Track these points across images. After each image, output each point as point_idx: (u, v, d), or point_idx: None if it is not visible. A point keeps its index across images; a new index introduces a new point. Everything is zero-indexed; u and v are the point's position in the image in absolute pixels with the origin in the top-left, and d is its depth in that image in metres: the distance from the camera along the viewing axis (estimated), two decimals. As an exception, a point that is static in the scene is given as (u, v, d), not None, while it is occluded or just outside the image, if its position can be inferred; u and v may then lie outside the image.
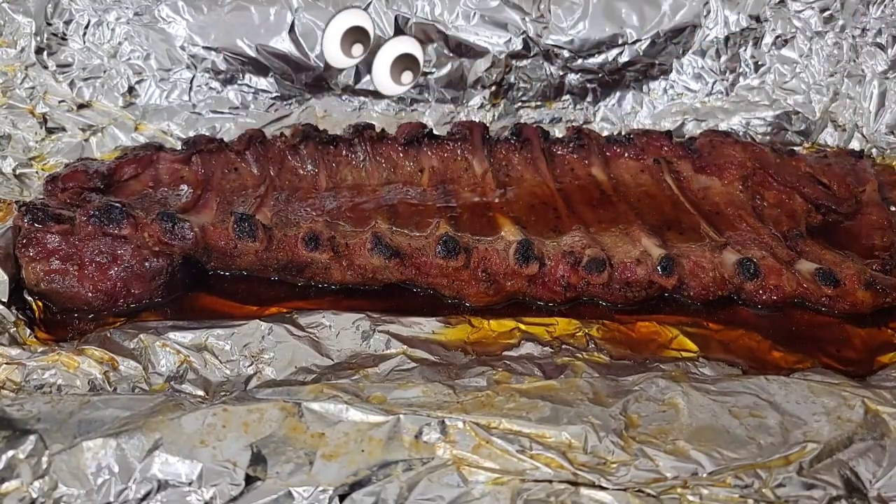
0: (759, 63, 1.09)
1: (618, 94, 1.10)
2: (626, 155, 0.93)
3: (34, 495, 0.55)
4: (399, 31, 1.06)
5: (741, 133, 1.05)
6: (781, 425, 0.61)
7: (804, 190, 0.90)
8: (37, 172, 0.95)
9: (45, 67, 1.03)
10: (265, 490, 0.56)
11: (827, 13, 1.07)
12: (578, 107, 1.11)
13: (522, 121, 1.07)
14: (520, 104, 1.10)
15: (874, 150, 1.04)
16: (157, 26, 1.04)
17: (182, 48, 1.05)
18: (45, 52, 1.03)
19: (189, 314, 0.79)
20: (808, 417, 0.62)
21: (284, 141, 0.92)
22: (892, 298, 0.79)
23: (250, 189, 0.88)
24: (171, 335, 0.73)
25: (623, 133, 0.99)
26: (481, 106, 1.09)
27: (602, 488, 0.57)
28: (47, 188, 0.84)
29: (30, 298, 0.79)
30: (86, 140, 1.01)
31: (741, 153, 0.92)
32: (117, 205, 0.79)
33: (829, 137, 1.07)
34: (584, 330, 0.76)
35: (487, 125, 0.96)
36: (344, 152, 0.92)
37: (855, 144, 1.05)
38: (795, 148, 1.04)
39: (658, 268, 0.77)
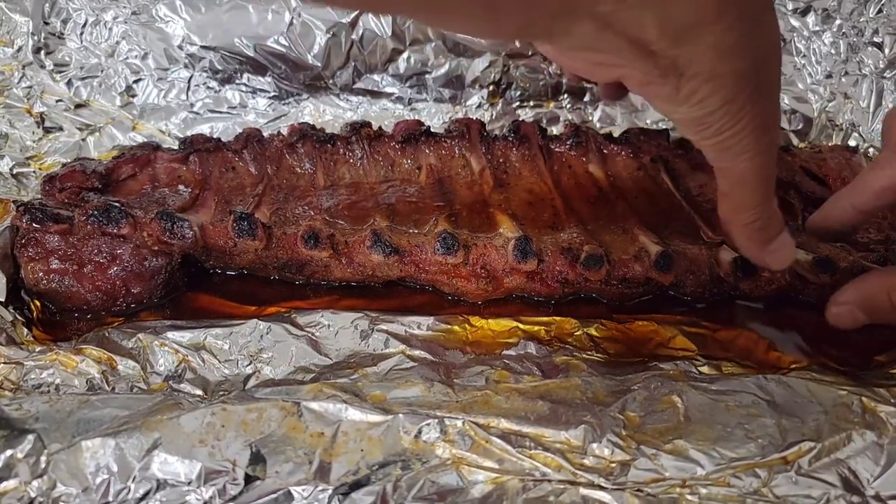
0: (757, 62, 1.08)
1: (616, 93, 1.10)
2: (623, 153, 0.93)
3: (33, 495, 0.55)
4: (397, 30, 1.06)
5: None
6: (780, 424, 0.61)
7: (800, 184, 0.90)
8: (34, 172, 0.95)
9: (43, 67, 1.03)
10: (264, 489, 0.56)
11: (824, 13, 1.07)
12: (576, 106, 1.11)
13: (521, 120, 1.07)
14: (518, 104, 1.10)
15: (871, 150, 1.04)
16: (155, 25, 1.04)
17: (180, 47, 1.05)
18: (42, 52, 1.03)
19: (187, 314, 0.79)
20: (805, 416, 0.62)
21: (282, 140, 0.92)
22: None
23: (248, 188, 0.88)
24: (170, 335, 0.73)
25: (621, 131, 0.99)
26: (479, 105, 1.09)
27: (601, 488, 0.57)
28: (45, 188, 0.84)
29: (27, 298, 0.78)
30: (83, 139, 1.01)
31: (737, 149, 0.92)
32: (116, 204, 0.79)
33: (826, 137, 1.07)
34: (583, 329, 0.76)
35: (484, 123, 0.96)
36: (341, 150, 0.91)
37: (852, 143, 1.05)
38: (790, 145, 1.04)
39: (655, 264, 0.77)
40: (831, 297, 0.75)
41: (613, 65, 0.51)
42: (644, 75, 0.51)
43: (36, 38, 1.02)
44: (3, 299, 0.75)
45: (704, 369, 0.71)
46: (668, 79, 0.51)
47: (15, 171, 0.94)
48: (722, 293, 0.81)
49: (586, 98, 1.10)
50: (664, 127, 1.03)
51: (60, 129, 1.01)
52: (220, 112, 1.07)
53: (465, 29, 0.56)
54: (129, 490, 0.56)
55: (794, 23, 1.07)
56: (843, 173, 0.93)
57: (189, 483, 0.56)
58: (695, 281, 0.80)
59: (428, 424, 0.61)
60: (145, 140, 0.99)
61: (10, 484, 0.55)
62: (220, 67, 1.06)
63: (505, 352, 0.73)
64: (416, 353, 0.72)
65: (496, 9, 0.43)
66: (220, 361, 0.71)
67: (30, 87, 1.02)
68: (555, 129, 1.08)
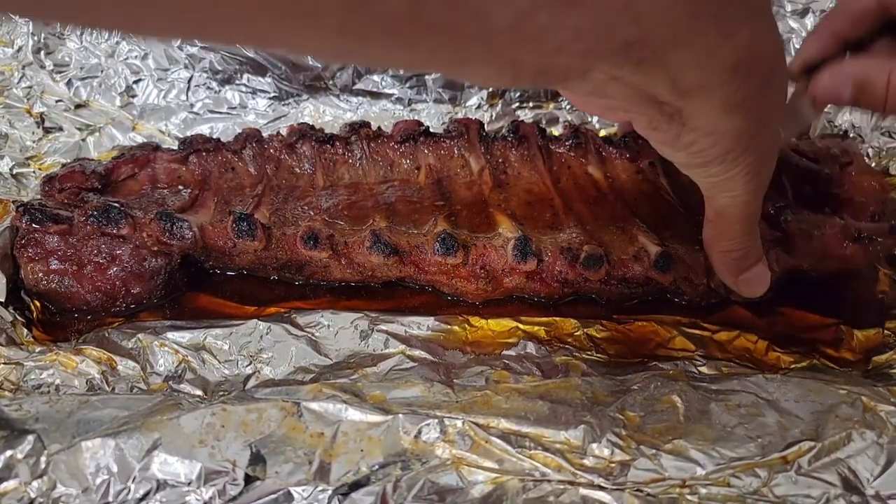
0: (756, 63, 1.08)
1: (615, 94, 1.10)
2: (622, 156, 0.93)
3: (32, 495, 0.55)
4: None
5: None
6: (779, 424, 0.61)
7: (790, 158, 0.90)
8: (34, 172, 0.95)
9: (43, 67, 1.03)
10: (264, 490, 0.56)
11: (823, 14, 1.07)
12: (576, 108, 1.10)
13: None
14: (517, 105, 1.10)
15: (870, 150, 1.04)
16: (155, 26, 1.04)
17: (180, 48, 1.05)
18: (42, 52, 1.03)
19: (187, 314, 0.79)
20: (805, 416, 0.62)
21: (281, 140, 0.92)
22: (882, 248, 0.79)
23: (248, 188, 0.88)
24: (170, 335, 0.73)
25: (619, 135, 0.99)
26: (479, 106, 1.09)
27: (601, 488, 0.57)
28: (44, 188, 0.84)
29: (27, 298, 0.78)
30: (83, 140, 1.01)
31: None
32: (115, 205, 0.79)
33: (826, 137, 1.07)
34: (583, 329, 0.76)
35: (483, 123, 0.96)
36: (341, 151, 0.91)
37: (851, 144, 1.06)
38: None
39: (655, 264, 0.77)
40: (826, 66, 0.71)
41: (622, 109, 0.53)
42: (650, 120, 0.53)
43: (36, 38, 1.02)
44: (3, 299, 0.75)
45: (704, 369, 0.71)
46: (672, 125, 0.53)
47: (15, 172, 0.94)
48: (719, 297, 0.81)
49: (586, 99, 1.10)
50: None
51: (60, 129, 1.01)
52: (220, 112, 1.07)
53: (484, 82, 0.58)
54: (129, 490, 0.56)
55: (793, 24, 1.08)
56: (832, 151, 0.92)
57: (189, 483, 0.56)
58: (691, 287, 0.79)
59: (428, 425, 0.61)
60: (145, 140, 0.99)
61: (10, 484, 0.55)
62: (220, 68, 1.06)
63: (505, 352, 0.73)
64: (416, 353, 0.72)
65: (517, 65, 0.44)
66: (219, 362, 0.71)
67: (30, 87, 1.02)
68: (554, 130, 1.07)
